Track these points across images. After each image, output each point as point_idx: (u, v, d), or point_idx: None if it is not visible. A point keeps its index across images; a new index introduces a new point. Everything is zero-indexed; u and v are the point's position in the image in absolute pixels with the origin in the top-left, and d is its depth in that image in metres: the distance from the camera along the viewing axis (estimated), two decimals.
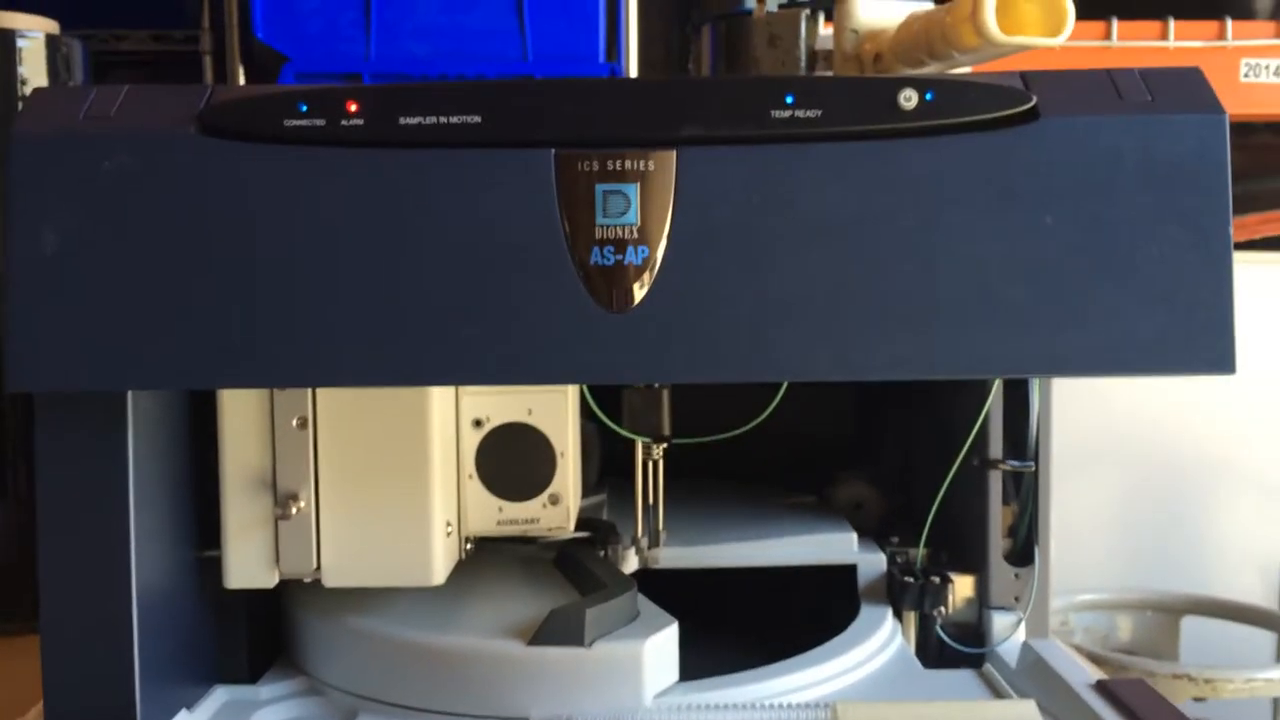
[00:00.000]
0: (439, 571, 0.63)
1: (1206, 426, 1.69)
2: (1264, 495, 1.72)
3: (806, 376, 0.53)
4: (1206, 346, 0.51)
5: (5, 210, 0.52)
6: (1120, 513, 1.70)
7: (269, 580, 0.62)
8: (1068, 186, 0.52)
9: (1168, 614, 1.50)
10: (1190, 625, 1.53)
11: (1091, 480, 1.66)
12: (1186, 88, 0.54)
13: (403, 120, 0.53)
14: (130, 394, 0.55)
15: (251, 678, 0.67)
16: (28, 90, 1.09)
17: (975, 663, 0.73)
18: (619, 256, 0.52)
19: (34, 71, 1.10)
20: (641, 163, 0.52)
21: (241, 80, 1.21)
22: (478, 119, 0.53)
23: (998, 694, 0.64)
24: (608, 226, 0.52)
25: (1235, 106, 0.53)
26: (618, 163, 0.52)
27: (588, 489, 0.87)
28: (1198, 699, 1.25)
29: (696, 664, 0.63)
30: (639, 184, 0.52)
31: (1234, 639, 1.55)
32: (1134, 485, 1.70)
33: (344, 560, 0.62)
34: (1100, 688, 0.61)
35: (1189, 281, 0.52)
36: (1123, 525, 1.70)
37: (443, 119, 0.53)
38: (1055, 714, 0.60)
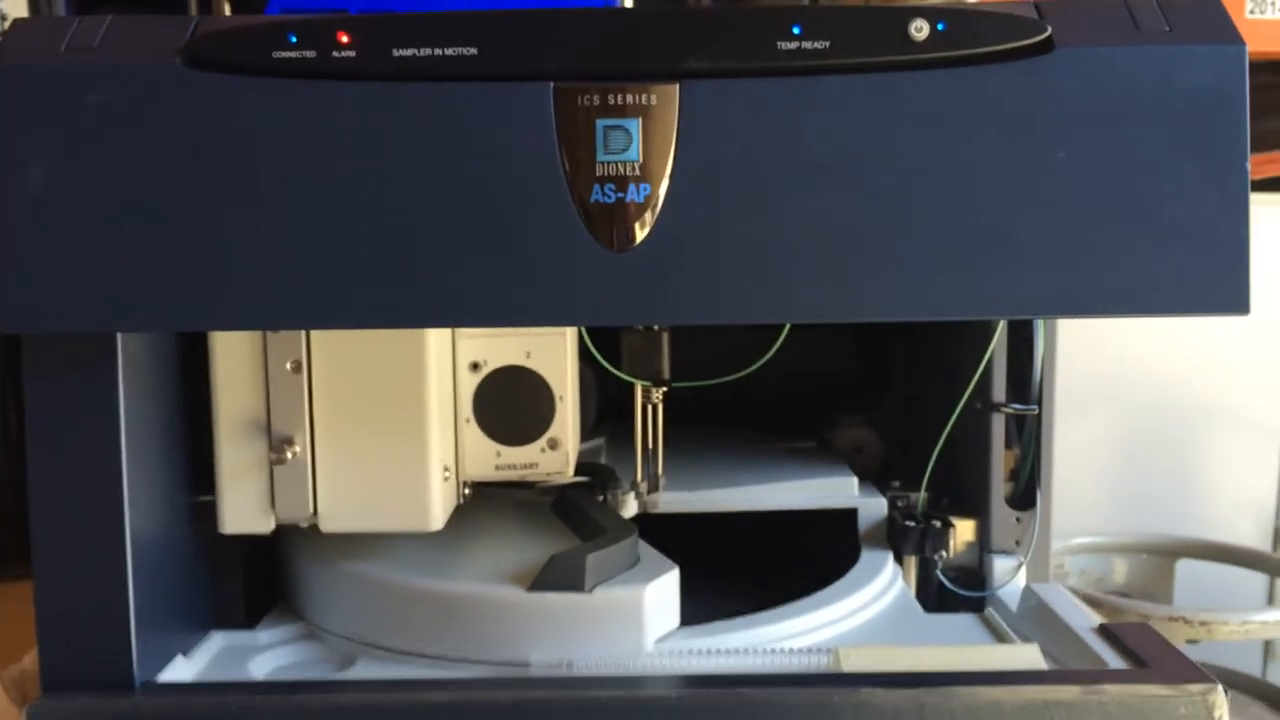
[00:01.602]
0: (437, 517, 0.62)
1: (1202, 369, 1.68)
2: (1259, 438, 1.72)
3: (813, 318, 0.52)
4: (1221, 286, 0.50)
5: None
6: (1114, 456, 1.70)
7: (265, 526, 0.61)
8: (1082, 119, 0.50)
9: (1163, 557, 1.50)
10: (1184, 568, 1.53)
11: (1086, 423, 1.66)
12: (1205, 17, 0.52)
13: (396, 52, 0.51)
14: (120, 336, 0.54)
15: (249, 623, 0.66)
16: (6, 24, 1.06)
17: (976, 607, 0.73)
18: (620, 194, 0.51)
19: (14, 6, 1.07)
20: (644, 96, 0.51)
21: (227, 10, 1.18)
22: (474, 51, 0.51)
23: (1000, 638, 0.64)
24: (609, 163, 0.51)
25: None
26: (619, 96, 0.51)
27: (585, 432, 0.86)
28: (1191, 641, 1.25)
29: (697, 609, 0.63)
30: (641, 119, 0.51)
31: (1227, 581, 1.55)
32: (1128, 428, 1.70)
33: (340, 505, 0.61)
34: (1103, 631, 0.61)
35: (1204, 219, 0.50)
36: (1117, 468, 1.70)
37: (437, 50, 0.51)
38: (1058, 658, 0.60)
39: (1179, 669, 0.54)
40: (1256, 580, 1.59)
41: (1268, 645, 1.54)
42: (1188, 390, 1.69)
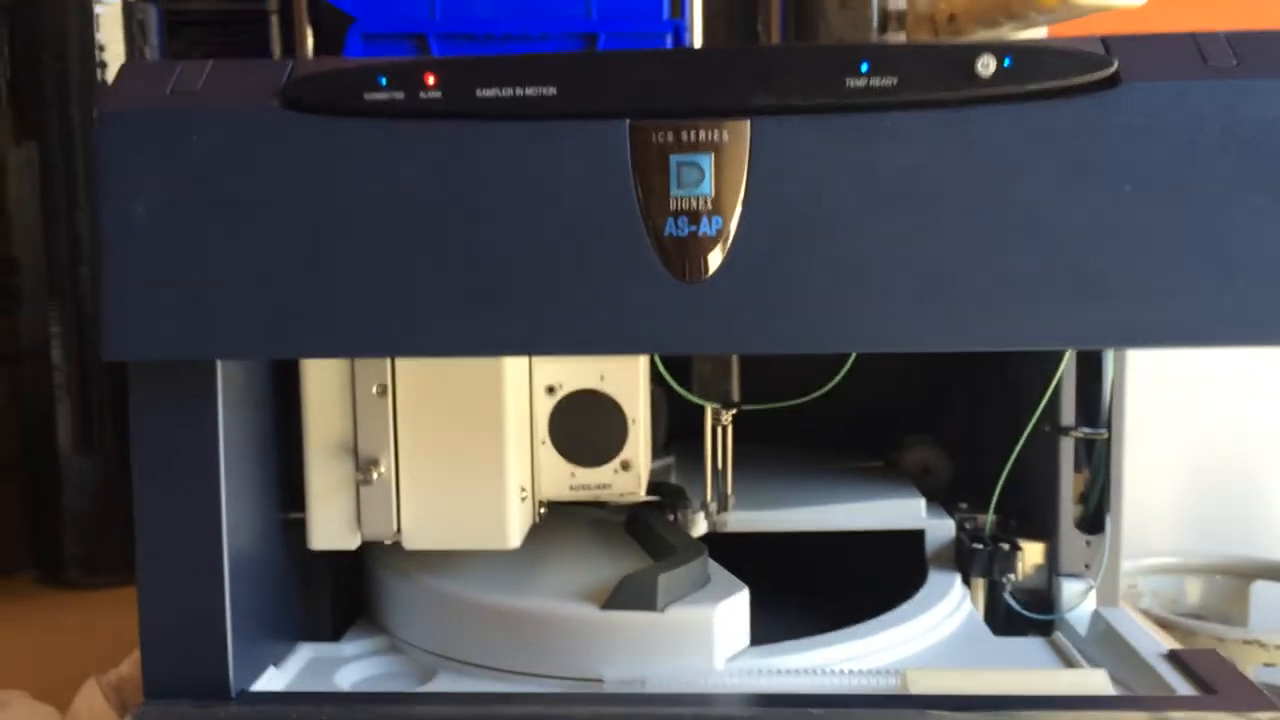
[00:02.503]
0: (514, 535, 0.64)
1: (1276, 388, 1.66)
2: None
3: (881, 348, 0.53)
4: None
5: (97, 185, 0.54)
6: (1189, 475, 1.68)
7: (351, 542, 0.64)
8: (1149, 153, 0.51)
9: (1237, 578, 1.48)
10: (1258, 590, 1.50)
11: (1160, 442, 1.64)
12: (1273, 51, 0.52)
13: (479, 92, 0.53)
14: (219, 363, 0.57)
15: (334, 635, 0.69)
16: (106, 55, 1.11)
17: (1044, 630, 0.73)
18: (693, 227, 0.53)
19: (111, 37, 1.12)
20: (715, 133, 0.53)
21: (310, 41, 1.22)
22: (553, 90, 0.53)
23: (1068, 662, 0.64)
24: (682, 197, 0.53)
25: None
26: (692, 133, 0.53)
27: (655, 452, 0.88)
28: (1268, 664, 1.23)
29: (765, 629, 0.64)
30: (713, 154, 0.53)
31: None
32: (1203, 447, 1.68)
33: (423, 524, 0.64)
34: (1172, 657, 0.61)
35: (1271, 252, 0.51)
36: (1191, 488, 1.67)
37: (519, 90, 0.53)
38: (1127, 683, 0.60)
39: (1247, 696, 0.54)
40: None
41: None
42: (1262, 409, 1.66)
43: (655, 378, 0.74)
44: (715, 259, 0.52)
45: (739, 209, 0.52)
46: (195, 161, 0.54)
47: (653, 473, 0.85)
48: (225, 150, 0.53)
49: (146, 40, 1.14)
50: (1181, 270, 0.51)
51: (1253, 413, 1.64)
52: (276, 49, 1.23)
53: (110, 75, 1.09)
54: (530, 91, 0.53)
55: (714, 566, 0.66)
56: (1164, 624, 1.23)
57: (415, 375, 0.63)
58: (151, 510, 0.57)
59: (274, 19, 1.38)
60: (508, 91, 0.53)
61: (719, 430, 0.76)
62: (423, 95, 0.54)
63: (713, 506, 0.77)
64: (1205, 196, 0.51)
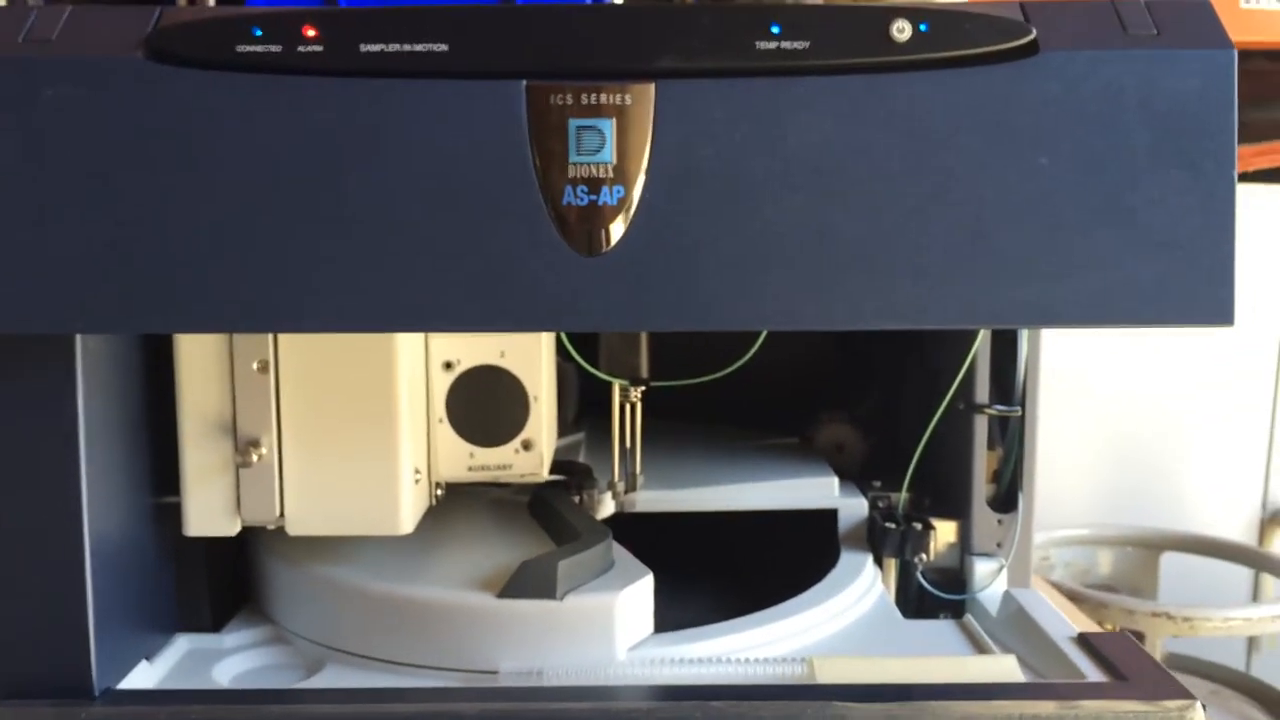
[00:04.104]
0: (407, 520, 0.61)
1: (1188, 361, 1.68)
2: (1245, 432, 1.72)
3: (791, 326, 0.50)
4: (1206, 297, 0.49)
5: None
6: (1100, 448, 1.70)
7: (230, 528, 0.60)
8: (1066, 125, 0.49)
9: (1148, 550, 1.51)
10: (1168, 561, 1.53)
11: (1072, 416, 1.66)
12: (1194, 21, 0.51)
13: (364, 47, 0.50)
14: (79, 336, 0.52)
15: (214, 626, 0.65)
16: None
17: (955, 609, 0.72)
18: (593, 196, 0.49)
19: None
20: (618, 96, 0.49)
21: None
22: (444, 47, 0.49)
23: (978, 647, 0.63)
24: (581, 164, 0.49)
25: (1236, 33, 0.50)
26: (593, 96, 0.49)
27: (565, 428, 0.85)
28: (1175, 636, 1.25)
29: (672, 614, 0.62)
30: (615, 119, 0.49)
31: (1210, 575, 1.55)
32: (1115, 420, 1.70)
33: (308, 508, 0.60)
34: (1082, 641, 0.60)
35: (1189, 228, 0.49)
36: (1103, 461, 1.70)
37: (407, 46, 0.50)
38: (1036, 668, 0.59)
39: (1158, 684, 0.53)
40: (1241, 574, 1.59)
41: (1252, 640, 1.54)
42: (1174, 383, 1.69)
43: (564, 352, 0.71)
44: (617, 230, 0.49)
45: (642, 177, 0.49)
46: (50, 117, 0.49)
47: (562, 450, 0.82)
48: (83, 105, 0.49)
49: None
50: (1097, 246, 0.49)
51: (1164, 387, 1.67)
52: None
53: None
54: (419, 47, 0.50)
55: (618, 550, 0.64)
56: (1075, 596, 1.24)
57: (299, 350, 0.59)
58: (4, 496, 0.53)
59: None
60: (394, 47, 0.50)
61: (628, 407, 0.74)
62: (301, 49, 0.50)
63: (620, 486, 0.75)
64: (1124, 170, 0.49)
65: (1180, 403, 1.68)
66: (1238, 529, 1.70)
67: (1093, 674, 0.56)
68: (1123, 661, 0.56)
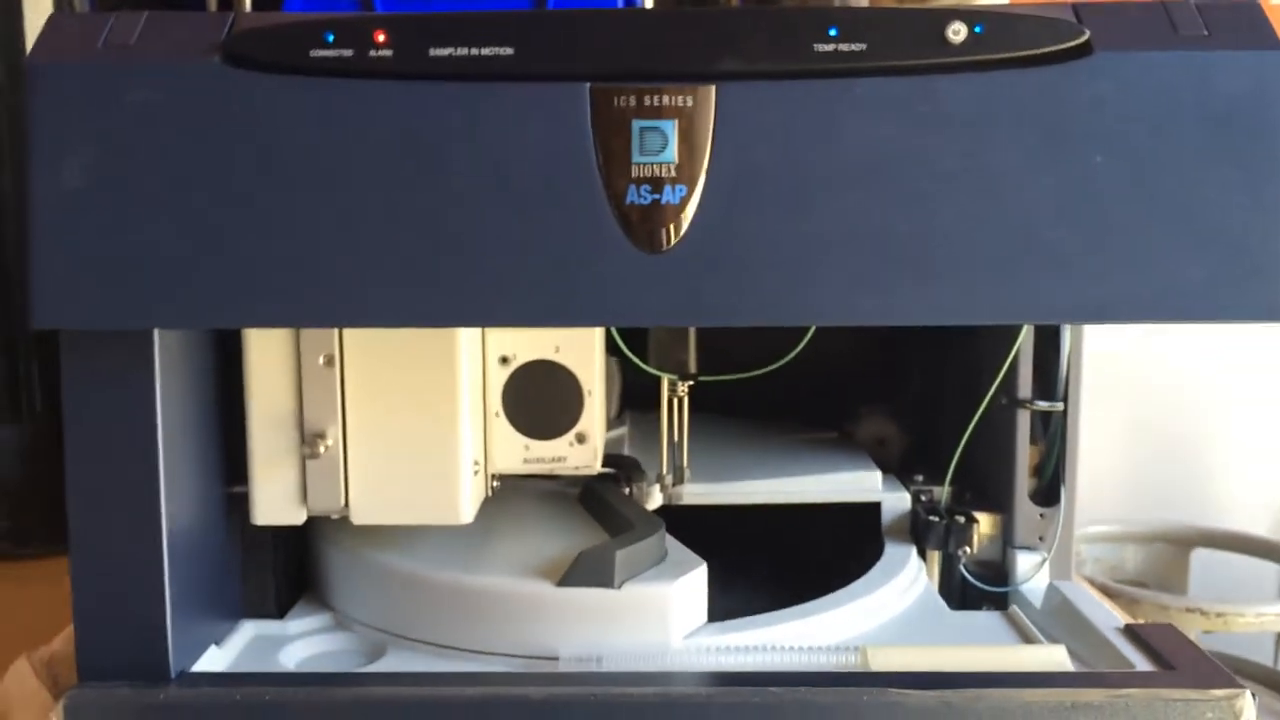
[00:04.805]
0: (466, 510, 0.62)
1: (1216, 357, 1.68)
2: (1273, 427, 1.71)
3: (846, 321, 0.52)
4: (1257, 294, 0.50)
5: (28, 142, 0.51)
6: (1129, 444, 1.70)
7: (297, 517, 0.62)
8: (1119, 125, 0.50)
9: (1178, 546, 1.51)
10: (1199, 557, 1.53)
11: (1100, 411, 1.66)
12: (1245, 22, 0.52)
13: (433, 51, 0.51)
14: (156, 331, 0.54)
15: (279, 612, 0.67)
16: (30, 4, 1.06)
17: (998, 601, 0.73)
18: (656, 195, 0.51)
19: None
20: (680, 98, 0.51)
21: (247, 3, 1.18)
22: (510, 51, 0.51)
23: (1026, 638, 0.64)
24: (644, 164, 0.51)
25: None
26: (655, 98, 0.51)
27: (609, 422, 0.86)
28: (1207, 631, 1.26)
29: (721, 603, 0.63)
30: (677, 120, 0.51)
31: (1238, 570, 1.55)
32: (1143, 416, 1.70)
33: (372, 498, 0.62)
34: (1129, 632, 0.61)
35: (1240, 226, 0.50)
36: (1131, 456, 1.70)
37: (474, 50, 0.51)
38: (1085, 659, 0.60)
39: (1206, 673, 0.54)
40: (1269, 569, 1.59)
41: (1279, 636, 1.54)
42: (1202, 379, 1.69)
43: (610, 346, 0.72)
44: (678, 228, 0.51)
45: (703, 177, 0.51)
46: (131, 119, 0.51)
47: (606, 443, 0.83)
48: (162, 108, 0.51)
49: (74, 4, 1.09)
50: (1151, 244, 0.50)
51: (1194, 381, 1.67)
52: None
53: (30, 25, 1.04)
54: (486, 51, 0.51)
55: (671, 541, 0.65)
56: (1107, 591, 1.25)
57: (364, 345, 0.60)
58: (85, 486, 0.55)
59: None
60: (462, 51, 0.51)
61: (675, 401, 0.75)
62: (372, 53, 0.51)
63: (668, 479, 0.76)
64: (1176, 169, 0.50)
65: (1210, 396, 1.68)
66: (1265, 524, 1.70)
67: (1141, 664, 0.57)
68: (1170, 652, 0.57)
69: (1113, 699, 0.51)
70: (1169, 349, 1.66)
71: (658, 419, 0.75)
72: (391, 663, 0.61)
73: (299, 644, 0.64)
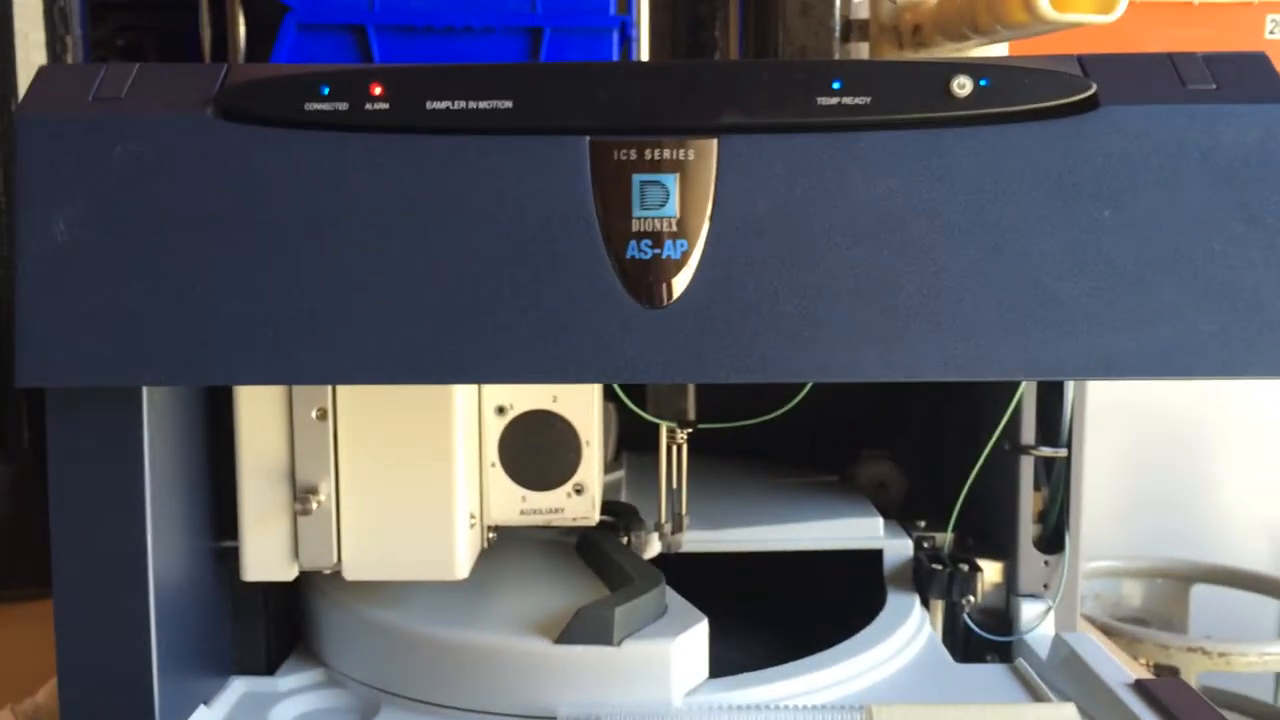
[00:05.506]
0: (461, 565, 0.61)
1: (1213, 393, 1.68)
2: (1270, 462, 1.71)
3: (850, 377, 0.51)
4: (1268, 349, 0.49)
5: (14, 195, 0.50)
6: (1126, 479, 1.69)
7: (288, 573, 0.61)
8: (1127, 179, 0.50)
9: (1178, 581, 1.50)
10: (1199, 593, 1.52)
11: (1097, 446, 1.65)
12: (1253, 75, 0.51)
13: (430, 105, 0.50)
14: (145, 388, 0.53)
15: (268, 669, 0.66)
16: (26, 42, 1.05)
17: (1002, 651, 0.72)
18: (656, 250, 0.50)
19: (30, 23, 1.06)
20: (681, 152, 0.50)
21: (242, 30, 1.18)
22: (509, 104, 0.50)
23: (1033, 692, 0.63)
24: (645, 218, 0.50)
25: None
26: (656, 152, 0.50)
27: (605, 466, 0.85)
28: (1209, 671, 1.24)
29: (720, 654, 0.62)
30: (678, 174, 0.50)
31: (1236, 605, 1.54)
32: (1140, 451, 1.69)
33: (365, 554, 0.60)
34: (1139, 688, 0.60)
35: (1250, 280, 0.50)
36: (1128, 492, 1.69)
37: (472, 104, 0.50)
38: (1094, 716, 0.59)
39: None
40: (1267, 605, 1.58)
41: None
42: (1199, 414, 1.68)
43: (607, 391, 0.71)
44: (680, 283, 0.50)
45: (705, 231, 0.50)
46: (121, 173, 0.50)
47: (604, 487, 0.82)
48: (153, 162, 0.50)
49: (69, 28, 1.09)
50: (1160, 299, 0.49)
51: (1196, 416, 1.66)
52: (206, 38, 1.18)
53: (22, 64, 1.04)
54: (484, 105, 0.50)
55: (671, 595, 0.64)
56: (1108, 630, 1.23)
57: (357, 398, 0.59)
58: (71, 542, 0.54)
59: (204, 4, 1.32)
60: (460, 104, 0.50)
61: (674, 449, 0.74)
62: (368, 106, 0.50)
63: (666, 527, 0.75)
64: (1184, 223, 0.49)
65: (1208, 432, 1.68)
66: (1263, 560, 1.69)
67: None
68: (1182, 710, 0.56)
69: None
70: (1167, 384, 1.65)
71: (656, 464, 0.74)
72: None
73: (290, 702, 0.63)
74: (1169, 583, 1.50)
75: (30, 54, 1.08)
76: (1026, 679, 0.65)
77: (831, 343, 0.50)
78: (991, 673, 0.67)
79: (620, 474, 0.86)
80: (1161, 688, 0.59)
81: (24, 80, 1.04)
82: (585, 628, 0.58)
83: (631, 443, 0.87)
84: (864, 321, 0.50)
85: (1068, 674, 0.65)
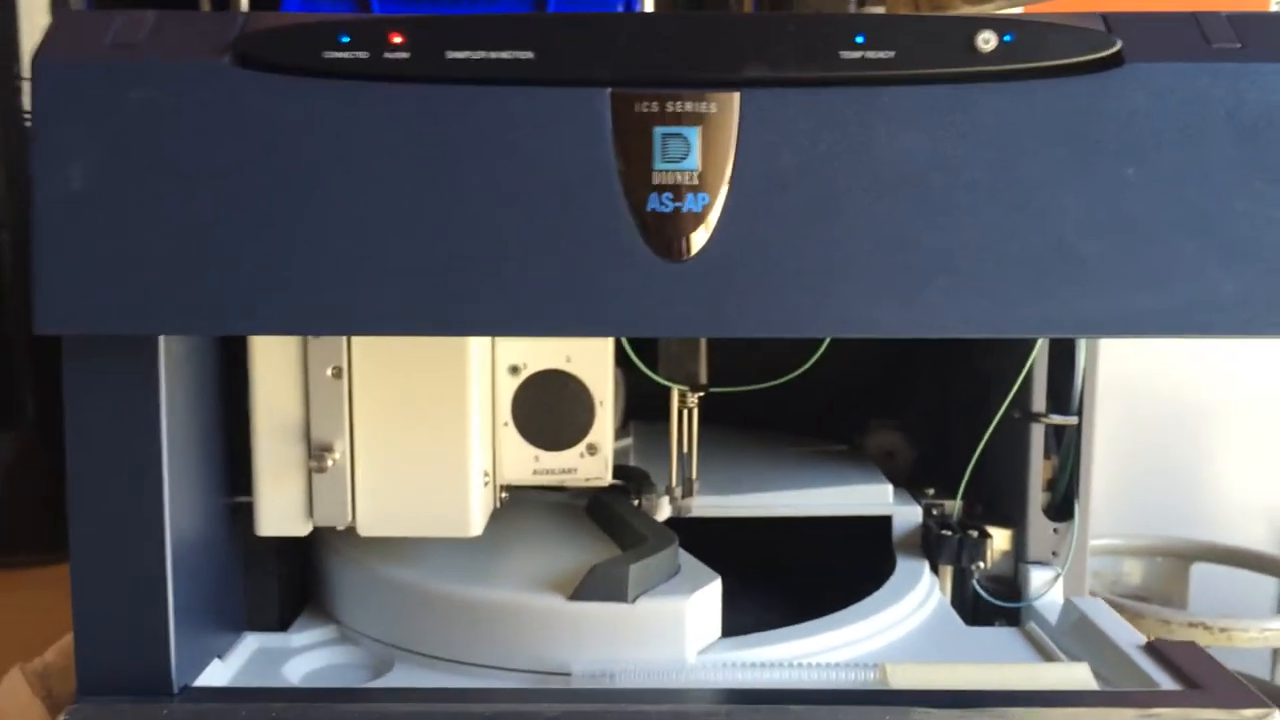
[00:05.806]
0: (476, 523, 0.61)
1: (1213, 370, 1.68)
2: (1270, 440, 1.71)
3: (870, 333, 0.51)
4: None
5: (32, 142, 0.49)
6: (1125, 456, 1.69)
7: (302, 529, 0.60)
8: (1151, 136, 0.49)
9: (1178, 559, 1.50)
10: (1199, 571, 1.52)
11: (1100, 420, 1.65)
12: (1276, 32, 0.51)
13: (450, 54, 0.50)
14: (162, 338, 0.53)
15: (281, 625, 0.66)
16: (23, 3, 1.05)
17: (1011, 617, 0.72)
18: (677, 203, 0.50)
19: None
20: (703, 104, 0.50)
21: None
22: (530, 54, 0.50)
23: (1044, 654, 0.63)
24: (666, 171, 0.50)
25: None
26: (678, 104, 0.50)
27: (614, 431, 0.85)
28: (1208, 646, 1.25)
29: (732, 615, 0.62)
30: (700, 127, 0.50)
31: (1235, 584, 1.55)
32: (1139, 428, 1.69)
33: (379, 511, 0.60)
34: (1151, 649, 0.60)
35: (1273, 240, 0.49)
36: (1127, 469, 1.69)
37: (492, 54, 0.50)
38: (1107, 677, 0.59)
39: (1233, 692, 0.53)
40: (1265, 583, 1.58)
41: (1277, 651, 1.53)
42: (1198, 392, 1.68)
43: (616, 356, 0.71)
44: (700, 237, 0.50)
45: (726, 185, 0.50)
46: (138, 120, 0.49)
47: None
48: (171, 109, 0.49)
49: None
50: (1182, 257, 0.49)
51: (1195, 395, 1.66)
52: None
53: (25, 27, 1.03)
54: (505, 55, 0.50)
55: (684, 555, 0.64)
56: (1110, 605, 1.23)
57: (372, 356, 0.59)
58: (87, 495, 0.53)
59: None
60: (480, 54, 0.50)
61: (685, 413, 0.74)
62: (388, 55, 0.50)
63: (677, 491, 0.75)
64: (1208, 181, 0.49)
65: (1209, 409, 1.68)
66: (1263, 538, 1.69)
67: (1166, 683, 0.56)
68: (1195, 670, 0.56)
69: (1141, 718, 0.50)
70: (1167, 361, 1.65)
71: (665, 430, 0.74)
72: (399, 677, 0.60)
73: (303, 657, 0.63)
74: (1169, 561, 1.50)
75: (35, 17, 1.07)
76: (1038, 641, 0.65)
77: (851, 298, 0.50)
78: (1002, 635, 0.67)
79: (628, 441, 0.86)
80: (1175, 649, 0.59)
81: (27, 41, 1.04)
82: (599, 585, 0.58)
83: (637, 412, 0.87)
84: (884, 277, 0.50)
85: (1078, 637, 0.65)
